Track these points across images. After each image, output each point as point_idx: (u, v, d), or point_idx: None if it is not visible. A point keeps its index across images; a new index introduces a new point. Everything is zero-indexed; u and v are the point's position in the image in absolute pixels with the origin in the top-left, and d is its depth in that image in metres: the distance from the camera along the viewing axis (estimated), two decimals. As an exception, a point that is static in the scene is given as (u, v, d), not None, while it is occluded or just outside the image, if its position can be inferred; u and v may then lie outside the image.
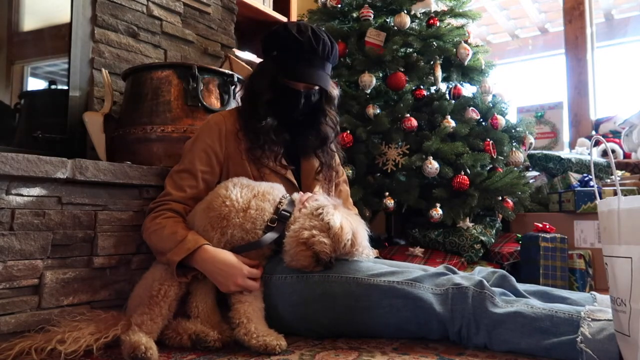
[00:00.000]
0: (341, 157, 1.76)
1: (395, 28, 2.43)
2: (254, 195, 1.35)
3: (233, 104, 1.80)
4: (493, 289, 1.25)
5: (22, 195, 1.23)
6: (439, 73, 2.41)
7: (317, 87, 1.51)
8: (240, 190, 1.34)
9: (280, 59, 1.48)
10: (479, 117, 2.40)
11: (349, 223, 1.32)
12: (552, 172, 2.88)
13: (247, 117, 1.51)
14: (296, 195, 1.41)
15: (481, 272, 1.43)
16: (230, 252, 1.30)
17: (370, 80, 2.31)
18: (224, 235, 1.32)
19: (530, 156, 2.95)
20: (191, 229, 1.36)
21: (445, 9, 2.56)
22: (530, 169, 3.04)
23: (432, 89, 2.45)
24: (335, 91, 1.58)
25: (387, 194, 2.21)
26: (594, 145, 1.81)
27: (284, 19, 2.99)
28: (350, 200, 1.78)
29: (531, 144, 2.83)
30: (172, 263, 1.26)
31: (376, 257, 1.56)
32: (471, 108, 2.37)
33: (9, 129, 1.73)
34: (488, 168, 2.40)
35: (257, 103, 1.49)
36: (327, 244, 1.27)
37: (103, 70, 1.79)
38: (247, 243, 1.32)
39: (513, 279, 1.39)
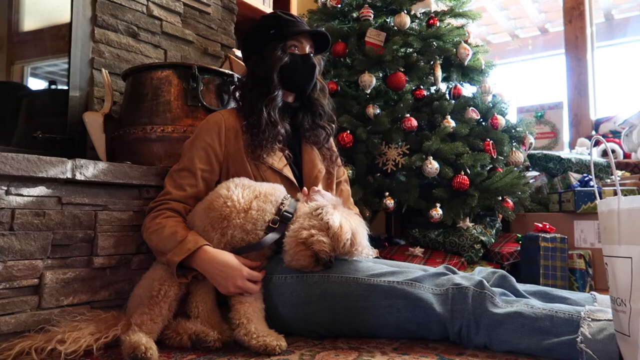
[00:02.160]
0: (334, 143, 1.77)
1: (395, 28, 2.43)
2: (256, 196, 1.34)
3: (233, 104, 1.80)
4: (493, 289, 1.25)
5: (22, 195, 1.23)
6: (439, 73, 2.41)
7: (312, 53, 1.61)
8: (241, 191, 1.34)
9: (281, 30, 1.55)
10: (479, 117, 2.40)
11: (348, 222, 1.32)
12: (552, 172, 2.88)
13: (255, 98, 1.53)
14: (299, 196, 1.41)
15: (481, 272, 1.43)
16: (230, 253, 1.30)
17: (370, 80, 2.32)
18: (224, 235, 1.32)
19: (530, 156, 2.95)
20: (191, 229, 1.36)
21: (445, 9, 2.56)
22: (530, 169, 3.04)
23: (432, 89, 2.45)
24: (321, 60, 1.69)
25: (387, 194, 2.21)
26: (594, 145, 1.81)
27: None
28: (351, 200, 1.78)
29: (531, 144, 2.83)
30: (172, 264, 1.26)
31: (376, 257, 1.56)
32: (471, 108, 2.37)
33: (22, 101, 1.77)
34: (488, 168, 2.40)
35: (269, 75, 1.52)
36: (326, 243, 1.27)
37: (103, 70, 1.79)
38: (248, 244, 1.32)
39: (513, 279, 1.39)
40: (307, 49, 1.59)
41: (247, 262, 1.30)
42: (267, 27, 1.57)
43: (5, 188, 1.20)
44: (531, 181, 2.81)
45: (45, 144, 1.68)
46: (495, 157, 2.37)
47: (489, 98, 2.48)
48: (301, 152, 1.62)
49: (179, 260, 1.25)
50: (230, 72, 1.85)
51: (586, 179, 2.63)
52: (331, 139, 1.70)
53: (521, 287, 1.37)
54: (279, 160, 1.52)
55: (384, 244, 2.46)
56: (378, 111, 2.30)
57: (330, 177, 1.66)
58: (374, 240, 2.53)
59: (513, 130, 2.54)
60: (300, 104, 1.63)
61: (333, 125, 1.69)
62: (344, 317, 1.30)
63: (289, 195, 1.41)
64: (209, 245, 1.30)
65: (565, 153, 3.16)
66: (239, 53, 2.39)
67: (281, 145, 1.53)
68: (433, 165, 2.14)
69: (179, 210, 1.40)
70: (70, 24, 1.78)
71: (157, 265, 1.35)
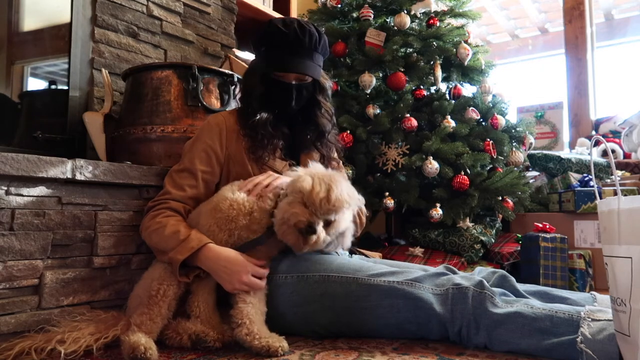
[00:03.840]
0: (339, 150, 1.72)
1: (395, 28, 2.43)
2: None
3: (233, 104, 1.80)
4: (493, 289, 1.25)
5: (22, 195, 1.23)
6: (439, 73, 2.41)
7: (309, 80, 1.51)
8: (245, 194, 1.35)
9: (268, 53, 1.49)
10: (479, 117, 2.40)
11: (321, 181, 1.28)
12: (552, 172, 2.88)
13: (244, 114, 1.51)
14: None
15: (481, 272, 1.43)
16: (234, 250, 1.30)
17: (370, 80, 2.32)
18: (232, 236, 1.33)
19: (530, 156, 2.95)
20: (193, 227, 1.36)
21: (445, 9, 2.56)
22: (530, 169, 3.04)
23: (432, 89, 2.45)
24: (327, 82, 1.59)
25: (387, 194, 2.21)
26: (594, 145, 1.81)
27: (284, 19, 2.99)
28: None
29: (531, 144, 2.83)
30: (175, 262, 1.26)
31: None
32: (471, 108, 2.37)
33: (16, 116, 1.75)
34: (488, 168, 2.40)
35: (250, 99, 1.51)
36: (299, 212, 1.25)
37: (103, 70, 1.79)
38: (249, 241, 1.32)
39: (513, 279, 1.39)
40: (294, 77, 1.48)
41: (251, 259, 1.30)
42: (261, 41, 1.51)
43: (5, 188, 1.20)
44: (531, 181, 2.81)
45: (45, 144, 1.68)
46: (495, 157, 2.37)
47: (489, 98, 2.48)
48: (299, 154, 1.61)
49: (183, 259, 1.25)
50: (230, 72, 1.84)
51: (586, 179, 2.63)
52: (331, 138, 1.63)
53: (521, 287, 1.37)
54: (281, 164, 1.52)
55: (384, 244, 2.46)
56: (378, 111, 2.30)
57: None
58: (374, 240, 2.53)
59: (513, 130, 2.54)
60: (297, 113, 1.57)
61: (330, 122, 1.60)
62: (344, 317, 1.30)
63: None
64: (212, 243, 1.29)
65: (565, 153, 3.16)
66: (239, 53, 2.39)
67: (281, 152, 1.53)
68: (433, 165, 2.14)
69: (179, 210, 1.40)
70: (70, 24, 1.78)
71: (156, 265, 1.35)
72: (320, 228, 1.26)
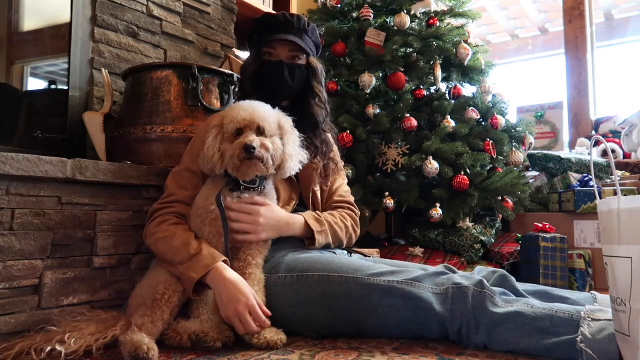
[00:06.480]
0: (335, 135, 1.71)
1: (395, 28, 2.43)
2: None
3: (233, 104, 1.80)
4: (493, 288, 1.25)
5: (22, 195, 1.23)
6: (439, 73, 2.41)
7: (300, 62, 1.56)
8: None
9: (260, 38, 1.56)
10: (479, 117, 2.40)
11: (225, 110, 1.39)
12: (552, 172, 2.88)
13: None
14: None
15: (481, 271, 1.43)
16: (245, 282, 1.27)
17: (370, 80, 2.32)
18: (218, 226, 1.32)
19: (530, 156, 2.96)
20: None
21: (445, 9, 2.56)
22: (530, 169, 3.04)
23: (432, 89, 2.45)
24: (320, 66, 1.61)
25: (387, 194, 2.21)
26: (594, 145, 1.81)
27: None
28: (347, 188, 1.69)
29: (531, 144, 2.84)
30: (189, 280, 1.23)
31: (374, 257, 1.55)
32: (471, 108, 2.37)
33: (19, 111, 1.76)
34: (488, 168, 2.40)
35: (243, 83, 1.57)
36: (228, 146, 1.30)
37: (103, 70, 1.79)
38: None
39: (513, 278, 1.38)
40: (285, 54, 1.54)
41: (261, 303, 1.27)
42: (253, 31, 1.59)
43: (5, 188, 1.20)
44: (531, 181, 2.81)
45: (45, 144, 1.68)
46: (495, 157, 2.37)
47: (489, 98, 2.48)
48: None
49: (198, 278, 1.23)
50: (230, 72, 1.84)
51: (586, 179, 2.63)
52: (325, 127, 1.62)
53: (521, 286, 1.37)
54: None
55: (384, 244, 2.46)
56: (378, 111, 2.30)
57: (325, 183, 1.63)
58: (374, 240, 2.53)
59: (513, 130, 2.54)
60: (291, 107, 1.57)
61: (323, 109, 1.60)
62: (344, 317, 1.30)
63: None
64: (225, 260, 1.28)
65: (565, 153, 3.16)
66: (239, 53, 2.39)
67: None
68: (433, 165, 2.14)
69: (185, 215, 1.39)
70: (70, 24, 1.78)
71: (161, 267, 1.35)
72: (253, 136, 1.29)
